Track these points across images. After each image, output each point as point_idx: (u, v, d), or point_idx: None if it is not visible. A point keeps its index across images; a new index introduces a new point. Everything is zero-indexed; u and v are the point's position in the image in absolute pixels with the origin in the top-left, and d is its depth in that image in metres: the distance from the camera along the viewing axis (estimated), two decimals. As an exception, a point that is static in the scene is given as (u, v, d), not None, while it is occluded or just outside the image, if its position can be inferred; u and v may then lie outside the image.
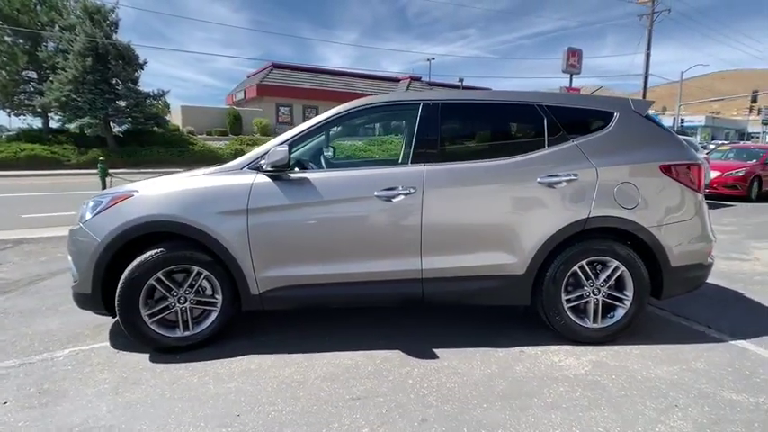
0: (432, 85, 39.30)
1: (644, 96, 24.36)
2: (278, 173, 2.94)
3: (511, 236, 2.97)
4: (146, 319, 2.93)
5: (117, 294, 2.87)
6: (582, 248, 2.99)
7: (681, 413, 2.33)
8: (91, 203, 3.09)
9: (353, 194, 2.96)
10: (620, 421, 2.26)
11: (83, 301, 3.06)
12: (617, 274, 3.04)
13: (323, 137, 3.50)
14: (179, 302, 2.98)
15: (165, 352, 2.99)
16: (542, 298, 3.05)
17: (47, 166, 18.57)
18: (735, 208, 10.11)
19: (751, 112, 47.56)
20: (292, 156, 2.95)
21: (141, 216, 2.88)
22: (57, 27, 21.19)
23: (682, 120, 41.20)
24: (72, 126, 21.99)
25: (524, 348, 3.05)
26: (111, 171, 8.06)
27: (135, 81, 22.42)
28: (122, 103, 21.55)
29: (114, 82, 21.53)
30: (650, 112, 3.29)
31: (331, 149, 4.43)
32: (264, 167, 2.93)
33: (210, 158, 21.98)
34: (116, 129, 22.70)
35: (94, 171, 13.02)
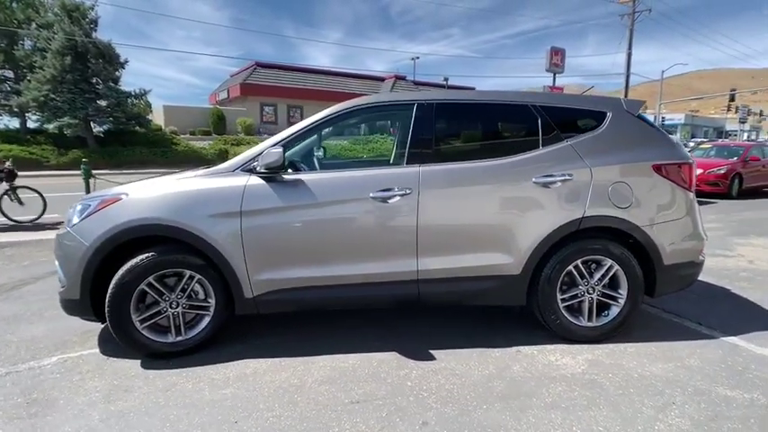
0: (417, 84, 39.36)
1: (626, 95, 24.73)
2: (271, 174, 2.90)
3: (507, 236, 2.98)
4: (137, 324, 2.86)
5: (107, 300, 2.80)
6: (577, 248, 3.01)
7: (678, 411, 2.36)
8: (78, 207, 3.00)
9: (349, 196, 2.92)
10: (619, 420, 2.27)
11: (71, 307, 2.98)
12: (611, 273, 3.06)
13: (315, 137, 3.46)
14: (171, 307, 2.92)
15: (158, 358, 2.92)
16: (538, 298, 3.05)
17: (26, 168, 18.01)
18: (717, 205, 10.32)
19: (729, 110, 48.67)
20: (285, 157, 2.91)
21: (132, 219, 2.81)
22: (34, 25, 20.68)
23: (662, 118, 41.97)
24: (51, 126, 21.49)
25: (521, 348, 3.05)
26: (93, 172, 7.87)
27: (116, 80, 22.05)
28: (103, 103, 21.16)
29: (94, 81, 21.14)
30: None
31: (321, 150, 4.40)
32: (258, 169, 2.88)
33: (194, 158, 21.70)
34: (97, 129, 22.25)
35: (75, 172, 12.74)
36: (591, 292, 3.08)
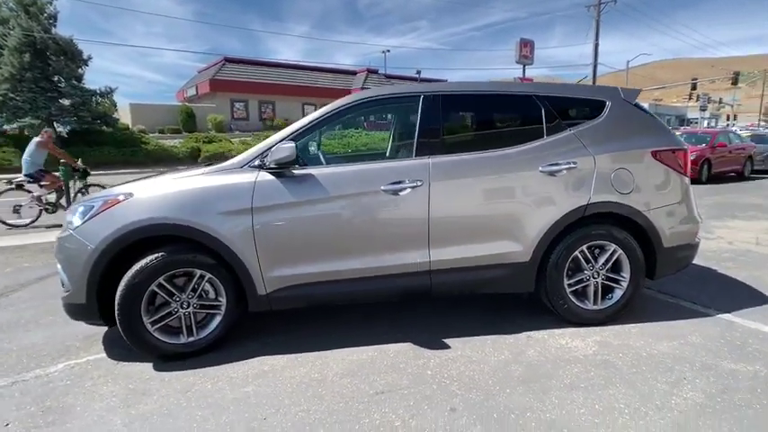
0: (389, 77, 39.37)
1: (593, 84, 25.35)
2: (282, 170, 2.87)
3: (516, 224, 3.04)
4: (148, 326, 2.80)
5: (117, 302, 2.73)
6: (582, 234, 3.10)
7: (690, 385, 2.47)
8: (80, 209, 2.91)
9: (360, 189, 2.93)
10: (637, 396, 2.37)
11: (76, 311, 2.89)
12: (615, 257, 3.17)
13: (316, 132, 3.43)
14: (182, 307, 2.87)
15: (170, 359, 2.87)
16: (546, 284, 3.14)
17: (-15, 171, 17.28)
18: (687, 190, 10.73)
19: (690, 98, 50.50)
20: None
21: (140, 219, 2.74)
22: (-12, 21, 19.68)
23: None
24: (11, 127, 20.53)
25: (531, 333, 3.13)
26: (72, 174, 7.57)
27: (79, 78, 21.21)
28: (66, 102, 20.34)
29: (56, 79, 20.30)
30: None
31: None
32: (268, 165, 2.85)
33: (165, 158, 21.16)
34: (60, 129, 21.36)
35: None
36: (596, 276, 3.18)
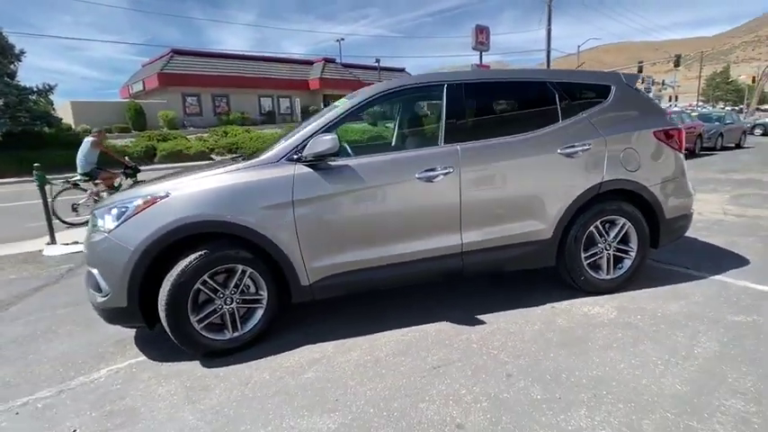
0: (346, 66, 39.05)
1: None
2: (319, 162, 2.94)
3: (539, 204, 3.26)
4: (195, 325, 2.82)
5: (164, 303, 2.73)
6: (597, 210, 3.37)
7: (705, 336, 2.79)
8: (114, 211, 2.86)
9: (396, 178, 3.05)
10: (665, 350, 2.66)
11: (115, 315, 2.86)
12: (624, 230, 3.46)
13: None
14: (225, 303, 2.90)
15: (216, 356, 2.90)
16: (565, 258, 3.39)
17: None
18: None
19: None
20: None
21: (182, 218, 2.74)
22: None
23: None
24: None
25: (554, 305, 3.38)
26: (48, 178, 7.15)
27: (12, 75, 19.72)
28: (0, 102, 18.83)
29: (-15, 77, 18.78)
30: None
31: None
32: (307, 157, 2.91)
33: (120, 158, 20.09)
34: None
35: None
36: (608, 248, 3.46)
